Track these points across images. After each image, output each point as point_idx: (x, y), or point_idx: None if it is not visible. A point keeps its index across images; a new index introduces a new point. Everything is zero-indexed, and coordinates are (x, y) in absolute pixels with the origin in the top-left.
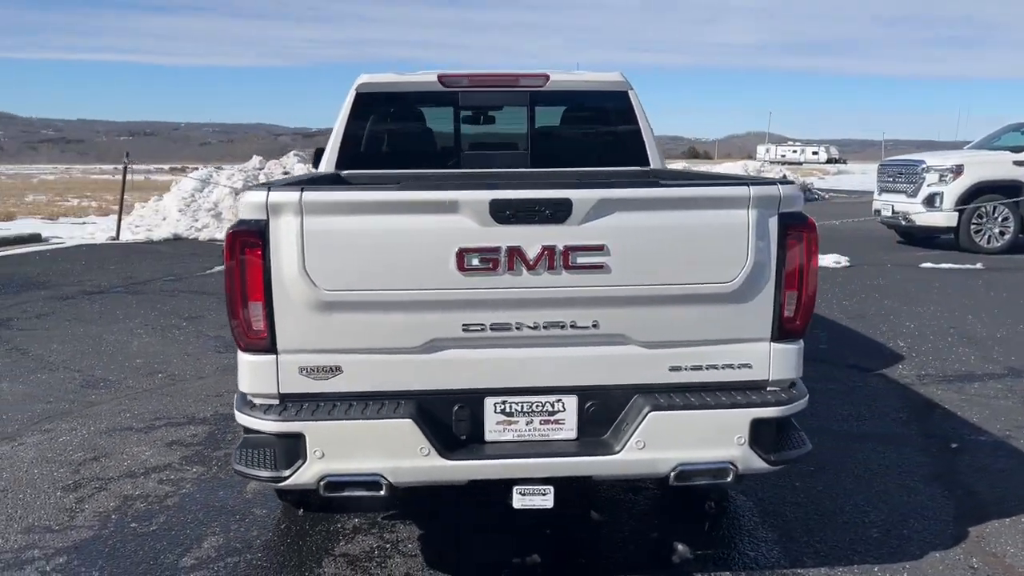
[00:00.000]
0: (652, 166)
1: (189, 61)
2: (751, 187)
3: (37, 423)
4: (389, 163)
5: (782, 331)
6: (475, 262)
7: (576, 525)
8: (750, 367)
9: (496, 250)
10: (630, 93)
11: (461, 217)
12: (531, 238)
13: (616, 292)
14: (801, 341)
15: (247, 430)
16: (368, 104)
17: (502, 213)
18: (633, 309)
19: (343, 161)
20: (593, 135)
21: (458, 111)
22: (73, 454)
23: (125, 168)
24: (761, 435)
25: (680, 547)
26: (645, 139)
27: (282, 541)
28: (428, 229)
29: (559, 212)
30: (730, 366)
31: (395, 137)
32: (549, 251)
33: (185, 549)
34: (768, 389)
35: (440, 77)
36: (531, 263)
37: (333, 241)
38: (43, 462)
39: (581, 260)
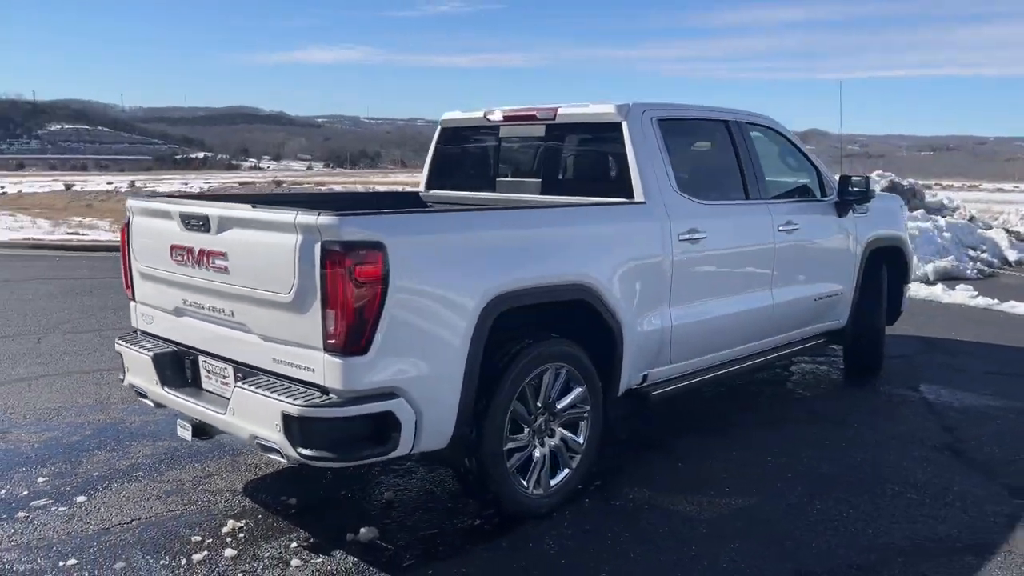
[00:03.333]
0: (636, 199)
1: (999, 72)
2: (297, 215)
3: None
4: (456, 187)
5: (329, 345)
6: (177, 256)
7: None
8: (313, 371)
9: (184, 248)
10: (624, 124)
11: (174, 223)
12: (197, 242)
13: (233, 290)
14: (359, 359)
15: None
16: (447, 137)
17: (186, 222)
18: (246, 305)
19: (430, 183)
20: (587, 165)
21: (498, 143)
22: None
23: None
24: (290, 428)
25: (363, 530)
26: (632, 171)
27: (225, 443)
28: (163, 229)
29: (206, 224)
30: (302, 367)
31: (461, 165)
32: (203, 253)
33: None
34: (330, 395)
35: (485, 113)
36: (196, 260)
37: (139, 233)
38: None
39: (216, 263)
